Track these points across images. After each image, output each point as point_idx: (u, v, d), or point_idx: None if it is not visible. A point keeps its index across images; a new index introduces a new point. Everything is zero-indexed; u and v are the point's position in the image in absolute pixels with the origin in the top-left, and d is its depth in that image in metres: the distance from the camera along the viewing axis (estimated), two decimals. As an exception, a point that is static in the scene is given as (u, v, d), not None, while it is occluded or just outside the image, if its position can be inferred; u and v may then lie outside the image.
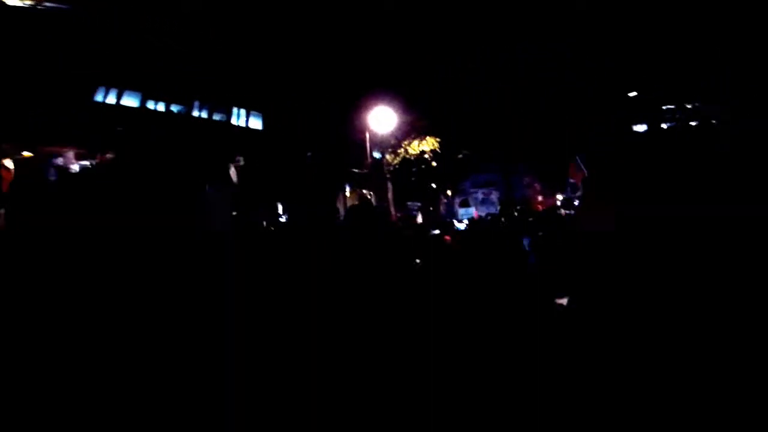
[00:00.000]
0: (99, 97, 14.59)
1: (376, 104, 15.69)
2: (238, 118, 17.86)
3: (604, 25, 15.96)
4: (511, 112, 18.49)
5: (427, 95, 16.84)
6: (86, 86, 14.17)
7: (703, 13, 14.14)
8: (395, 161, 17.59)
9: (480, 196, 24.71)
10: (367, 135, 15.50)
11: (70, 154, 12.13)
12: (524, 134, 19.10)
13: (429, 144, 17.24)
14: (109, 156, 16.17)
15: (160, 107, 15.90)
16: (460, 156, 20.86)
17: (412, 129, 17.11)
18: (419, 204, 11.85)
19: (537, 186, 24.61)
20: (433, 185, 20.93)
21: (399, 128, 16.65)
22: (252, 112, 18.06)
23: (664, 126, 15.76)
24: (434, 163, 18.46)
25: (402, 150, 17.22)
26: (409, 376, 1.89)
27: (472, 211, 14.48)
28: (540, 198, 24.70)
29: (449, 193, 23.69)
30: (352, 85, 15.86)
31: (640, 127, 16.13)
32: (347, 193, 18.39)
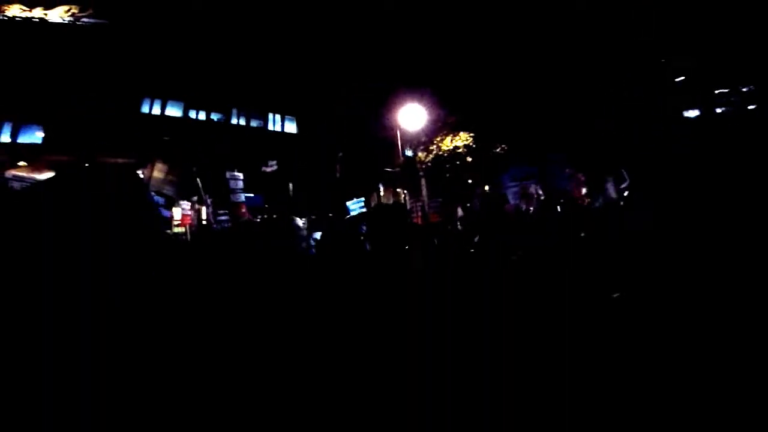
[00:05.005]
0: (145, 108, 15.68)
1: (405, 102, 15.60)
2: (274, 123, 18.51)
3: (647, 6, 14.82)
4: (548, 102, 17.70)
5: (457, 90, 16.51)
6: (131, 98, 15.25)
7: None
8: (428, 158, 17.42)
9: (519, 189, 23.83)
10: (398, 133, 15.45)
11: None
12: (563, 124, 18.21)
13: (462, 139, 16.91)
14: (158, 164, 17.21)
15: (201, 116, 16.83)
16: (498, 150, 20.25)
17: (444, 125, 16.84)
18: (439, 200, 11.67)
19: (580, 177, 23.35)
20: (470, 181, 20.52)
21: (429, 125, 16.46)
22: (287, 117, 18.64)
23: (718, 111, 14.38)
24: (469, 159, 18.09)
25: (434, 147, 17.02)
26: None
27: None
28: (584, 190, 23.41)
29: (486, 188, 23.13)
30: (382, 84, 15.87)
31: (692, 113, 14.81)
32: (381, 192, 18.47)
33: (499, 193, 13.52)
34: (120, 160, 14.66)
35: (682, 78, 15.50)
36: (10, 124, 14.62)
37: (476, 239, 4.18)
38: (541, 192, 22.22)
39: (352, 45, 16.32)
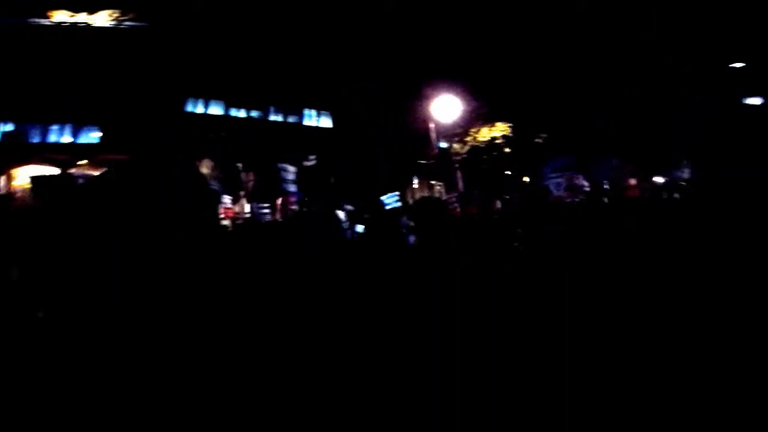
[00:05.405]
0: (189, 108, 16.40)
1: (438, 94, 15.33)
2: (310, 118, 18.84)
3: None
4: (592, 89, 16.80)
5: (492, 81, 16.03)
6: (176, 98, 15.97)
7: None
8: (464, 150, 17.09)
9: (561, 181, 22.85)
10: (432, 125, 15.23)
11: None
12: (608, 112, 17.24)
13: (499, 130, 16.45)
14: (205, 161, 17.90)
15: (242, 113, 17.39)
16: (538, 140, 19.57)
17: (478, 116, 16.43)
18: (477, 192, 11.41)
19: (629, 167, 22.10)
20: (508, 172, 19.97)
21: (464, 116, 16.12)
22: (322, 112, 18.89)
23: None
24: (507, 149, 17.61)
25: (470, 138, 16.66)
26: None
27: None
28: (633, 181, 22.16)
29: (526, 179, 22.43)
30: (415, 75, 15.68)
31: (754, 100, 13.53)
32: (415, 185, 18.35)
33: (541, 185, 13.02)
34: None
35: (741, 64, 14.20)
36: (71, 126, 15.81)
37: (519, 232, 4.03)
38: (586, 183, 21.21)
39: (384, 39, 16.21)
